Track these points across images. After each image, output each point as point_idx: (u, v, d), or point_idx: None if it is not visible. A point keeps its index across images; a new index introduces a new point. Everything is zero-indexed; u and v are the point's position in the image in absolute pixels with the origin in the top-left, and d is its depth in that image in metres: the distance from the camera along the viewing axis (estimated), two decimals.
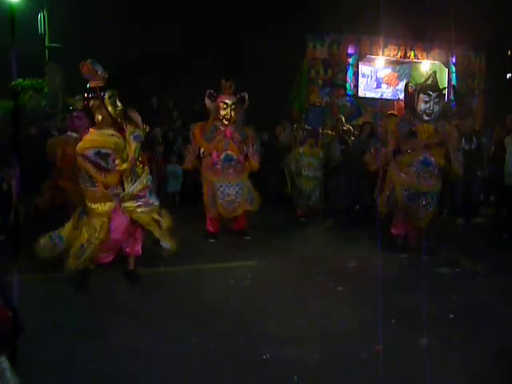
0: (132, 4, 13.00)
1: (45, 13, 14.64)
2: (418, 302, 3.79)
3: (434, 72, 5.35)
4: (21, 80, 12.54)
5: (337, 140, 7.37)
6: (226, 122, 5.64)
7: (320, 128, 6.90)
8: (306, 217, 7.00)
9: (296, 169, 6.82)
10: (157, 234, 4.20)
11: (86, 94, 3.98)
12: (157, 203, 4.22)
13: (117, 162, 3.92)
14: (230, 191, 5.63)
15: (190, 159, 5.89)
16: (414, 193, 5.05)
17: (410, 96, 5.13)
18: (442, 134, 5.05)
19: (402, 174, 5.10)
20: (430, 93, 4.96)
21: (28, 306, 2.97)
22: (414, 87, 5.12)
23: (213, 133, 5.65)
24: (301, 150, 6.75)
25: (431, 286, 4.02)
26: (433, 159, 5.04)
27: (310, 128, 6.77)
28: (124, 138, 4.00)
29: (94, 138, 3.96)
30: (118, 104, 4.00)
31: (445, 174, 5.24)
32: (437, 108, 4.99)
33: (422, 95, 4.99)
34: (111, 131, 3.98)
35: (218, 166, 5.63)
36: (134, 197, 4.09)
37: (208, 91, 5.74)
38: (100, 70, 3.96)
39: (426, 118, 5.00)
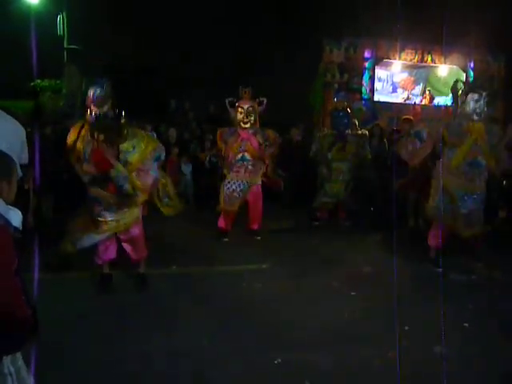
0: (149, 6, 13.10)
1: (64, 15, 14.86)
2: (432, 309, 3.74)
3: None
4: (39, 81, 12.72)
5: (366, 140, 7.29)
6: (244, 126, 5.93)
7: (346, 131, 6.91)
8: (320, 220, 7.01)
9: (327, 174, 6.87)
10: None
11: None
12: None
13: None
14: (234, 187, 5.94)
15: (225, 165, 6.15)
16: (464, 194, 4.95)
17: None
18: (494, 135, 4.99)
19: (451, 176, 4.97)
20: (481, 92, 4.93)
21: (43, 306, 3.00)
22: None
23: (231, 135, 5.99)
24: (329, 155, 6.82)
25: (446, 293, 3.96)
26: (482, 161, 4.94)
27: (336, 132, 6.84)
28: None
29: (78, 129, 3.99)
30: (108, 135, 3.88)
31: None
32: (485, 108, 4.92)
33: (472, 94, 4.93)
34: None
35: (234, 167, 5.94)
36: None
37: (227, 100, 6.07)
38: (93, 98, 3.82)
39: (476, 117, 4.92)
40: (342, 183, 6.85)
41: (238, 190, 5.93)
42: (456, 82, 5.25)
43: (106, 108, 3.84)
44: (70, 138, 3.98)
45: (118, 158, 3.93)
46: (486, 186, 5.07)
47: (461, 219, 4.96)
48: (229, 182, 5.96)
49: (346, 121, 6.95)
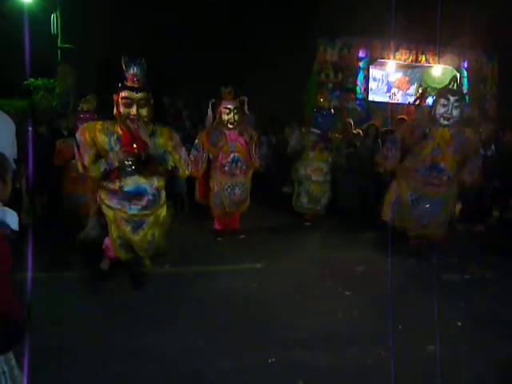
0: (144, 5, 13.07)
1: (58, 14, 14.79)
2: (425, 308, 3.76)
3: (454, 76, 5.35)
4: (33, 80, 12.66)
5: (343, 144, 7.35)
6: (231, 126, 5.84)
7: (329, 132, 6.89)
8: (311, 220, 7.00)
9: (305, 174, 6.82)
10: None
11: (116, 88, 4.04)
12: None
13: (85, 158, 3.88)
14: (236, 191, 5.89)
15: (198, 167, 5.89)
16: (419, 198, 5.00)
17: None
18: (460, 141, 4.96)
19: (410, 179, 5.05)
20: (449, 96, 4.90)
21: (36, 305, 2.98)
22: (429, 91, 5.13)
23: (218, 137, 5.85)
24: (311, 154, 6.77)
25: (439, 292, 3.98)
26: (443, 165, 4.97)
27: (319, 132, 6.78)
28: (125, 141, 3.94)
29: (93, 126, 3.99)
30: (142, 110, 3.95)
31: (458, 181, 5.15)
32: (456, 112, 4.91)
33: (440, 99, 4.94)
34: (113, 127, 3.98)
35: (226, 168, 5.83)
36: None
37: (211, 101, 6.04)
38: (132, 72, 3.97)
39: (444, 122, 4.94)
40: (323, 185, 6.84)
41: (240, 192, 5.90)
42: (425, 89, 5.30)
43: (140, 85, 4.00)
44: (86, 134, 3.92)
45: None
46: (452, 191, 5.08)
47: (411, 219, 5.09)
48: (229, 187, 5.86)
49: (330, 121, 6.94)
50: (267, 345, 3.17)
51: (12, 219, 1.50)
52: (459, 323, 3.57)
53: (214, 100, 6.03)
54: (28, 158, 4.42)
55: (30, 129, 6.01)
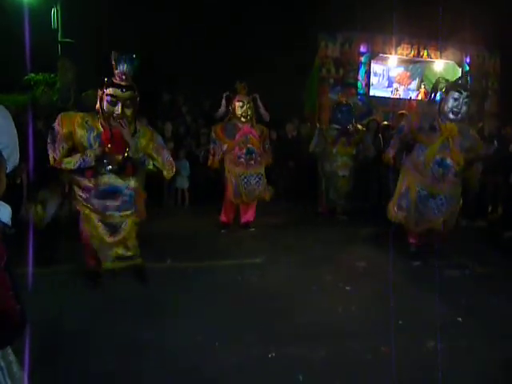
0: (143, 5, 13.02)
1: (58, 8, 14.73)
2: (426, 303, 3.77)
3: (466, 72, 5.25)
4: (33, 75, 12.61)
5: (367, 134, 7.36)
6: (244, 120, 6.01)
7: (350, 126, 6.94)
8: (326, 215, 7.05)
9: (332, 169, 6.89)
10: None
11: (102, 83, 3.88)
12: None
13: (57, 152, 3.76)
14: (251, 181, 6.05)
15: (215, 158, 6.11)
16: (427, 194, 4.85)
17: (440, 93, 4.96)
18: (466, 137, 4.85)
19: (418, 174, 4.90)
20: (462, 91, 4.80)
21: (37, 300, 2.98)
22: (444, 83, 4.93)
23: (232, 130, 6.03)
24: (334, 150, 6.85)
25: (440, 288, 3.98)
26: (450, 161, 4.81)
27: (339, 127, 6.85)
28: (105, 137, 3.82)
29: (73, 118, 3.81)
30: (127, 110, 3.82)
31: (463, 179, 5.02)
32: (465, 108, 4.81)
33: (452, 92, 4.80)
34: (93, 122, 3.84)
35: (242, 160, 6.01)
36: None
37: (225, 94, 6.14)
38: (121, 69, 3.82)
39: (452, 116, 4.82)
40: (349, 179, 6.93)
41: (255, 182, 6.05)
42: (437, 80, 5.10)
43: (128, 83, 3.87)
44: (64, 127, 3.75)
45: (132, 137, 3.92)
46: (458, 189, 4.96)
47: (417, 215, 4.91)
48: (245, 177, 6.01)
49: (350, 115, 7.00)
50: (267, 340, 3.16)
51: (4, 213, 1.47)
52: (460, 319, 3.57)
53: (228, 93, 6.14)
54: (28, 154, 4.40)
55: (30, 124, 5.99)
